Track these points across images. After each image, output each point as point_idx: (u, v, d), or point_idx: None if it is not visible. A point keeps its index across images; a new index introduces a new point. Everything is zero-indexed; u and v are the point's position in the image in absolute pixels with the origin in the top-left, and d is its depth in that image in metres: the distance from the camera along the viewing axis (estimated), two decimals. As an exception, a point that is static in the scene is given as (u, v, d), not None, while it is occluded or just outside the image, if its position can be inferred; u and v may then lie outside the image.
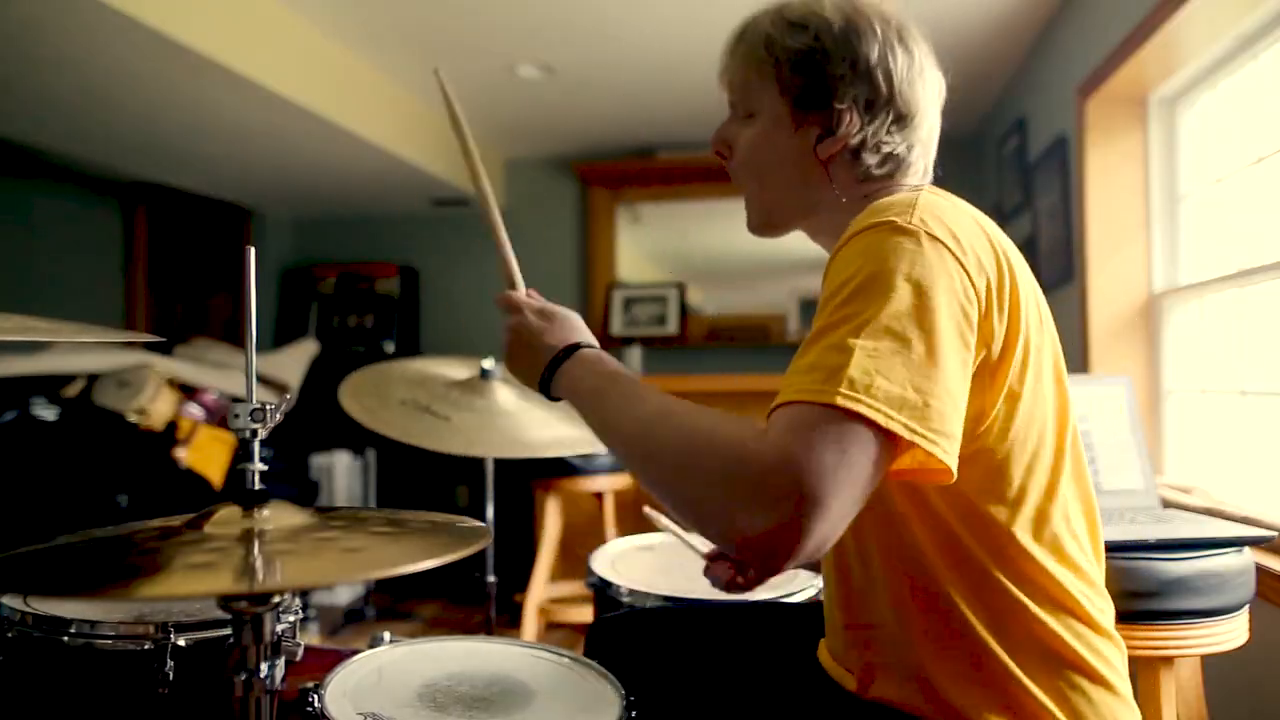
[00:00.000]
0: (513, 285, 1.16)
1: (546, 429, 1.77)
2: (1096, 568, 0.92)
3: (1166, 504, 1.80)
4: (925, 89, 0.98)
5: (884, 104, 0.95)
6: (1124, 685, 0.89)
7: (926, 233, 0.79)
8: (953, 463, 0.74)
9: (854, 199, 0.97)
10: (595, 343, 1.02)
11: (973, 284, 0.79)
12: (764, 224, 1.05)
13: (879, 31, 0.95)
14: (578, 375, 0.97)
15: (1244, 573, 1.41)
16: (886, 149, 0.96)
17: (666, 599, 1.47)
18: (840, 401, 0.71)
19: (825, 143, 0.96)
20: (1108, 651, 0.88)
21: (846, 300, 0.78)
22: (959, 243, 0.80)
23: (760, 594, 1.46)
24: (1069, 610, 0.86)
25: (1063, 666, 0.86)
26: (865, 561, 0.94)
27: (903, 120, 0.96)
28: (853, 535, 0.94)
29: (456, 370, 1.94)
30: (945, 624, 0.87)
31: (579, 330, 1.04)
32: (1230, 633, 1.40)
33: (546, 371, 1.00)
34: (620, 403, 0.89)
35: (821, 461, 0.70)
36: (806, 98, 0.96)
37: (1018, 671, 0.85)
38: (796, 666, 1.06)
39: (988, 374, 0.82)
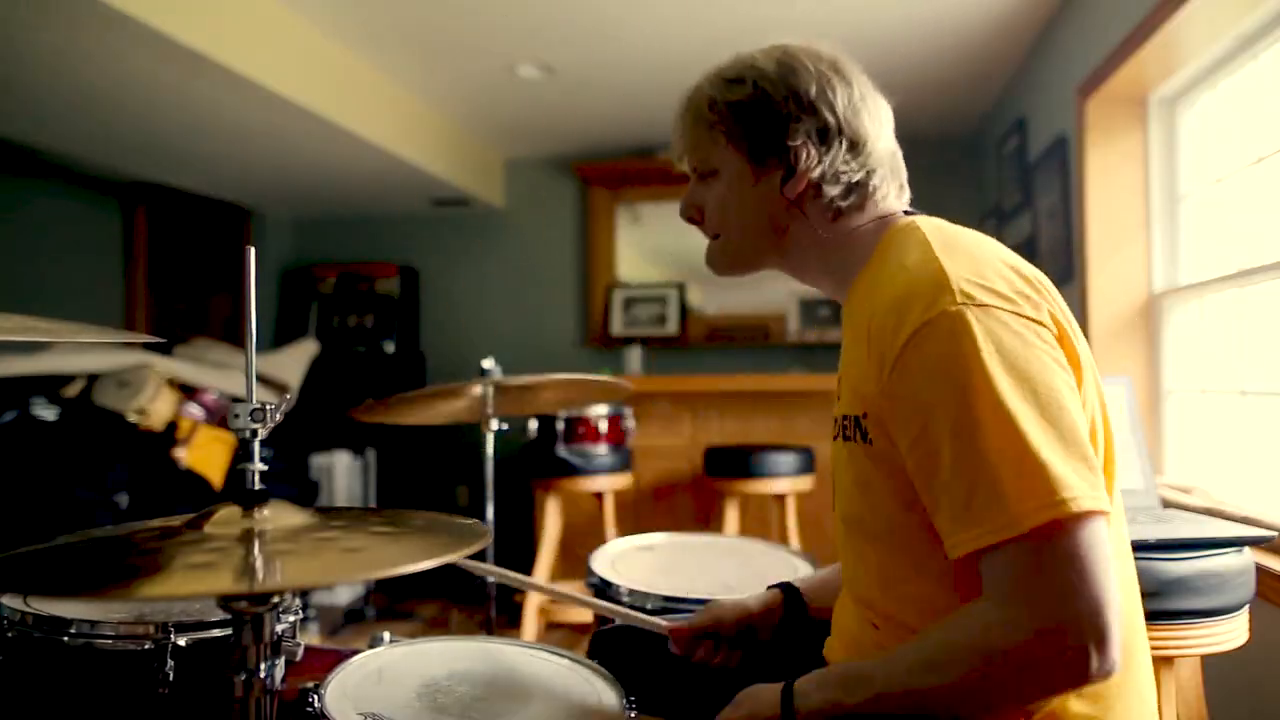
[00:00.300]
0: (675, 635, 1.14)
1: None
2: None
3: (1166, 504, 1.80)
4: (870, 116, 1.00)
5: (835, 134, 0.98)
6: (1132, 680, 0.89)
7: (975, 304, 0.81)
8: (1109, 506, 0.77)
9: (836, 234, 1.00)
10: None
11: (1033, 320, 0.83)
12: (732, 266, 1.08)
13: (812, 68, 0.98)
14: (815, 698, 0.89)
15: (1244, 573, 1.41)
16: (846, 178, 0.98)
17: (667, 599, 1.46)
18: (1031, 523, 0.74)
19: (790, 183, 0.99)
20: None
21: (956, 425, 0.78)
22: (1001, 295, 0.83)
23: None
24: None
25: None
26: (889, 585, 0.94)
27: (856, 148, 0.98)
28: (865, 551, 0.95)
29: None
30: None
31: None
32: (1230, 633, 1.40)
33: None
34: (869, 689, 0.84)
35: (1065, 589, 0.74)
36: (760, 145, 1.00)
37: None
38: (799, 669, 1.06)
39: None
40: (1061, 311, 0.87)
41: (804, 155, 0.98)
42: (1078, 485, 0.75)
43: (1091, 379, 0.88)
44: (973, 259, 0.87)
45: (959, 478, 0.78)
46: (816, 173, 0.98)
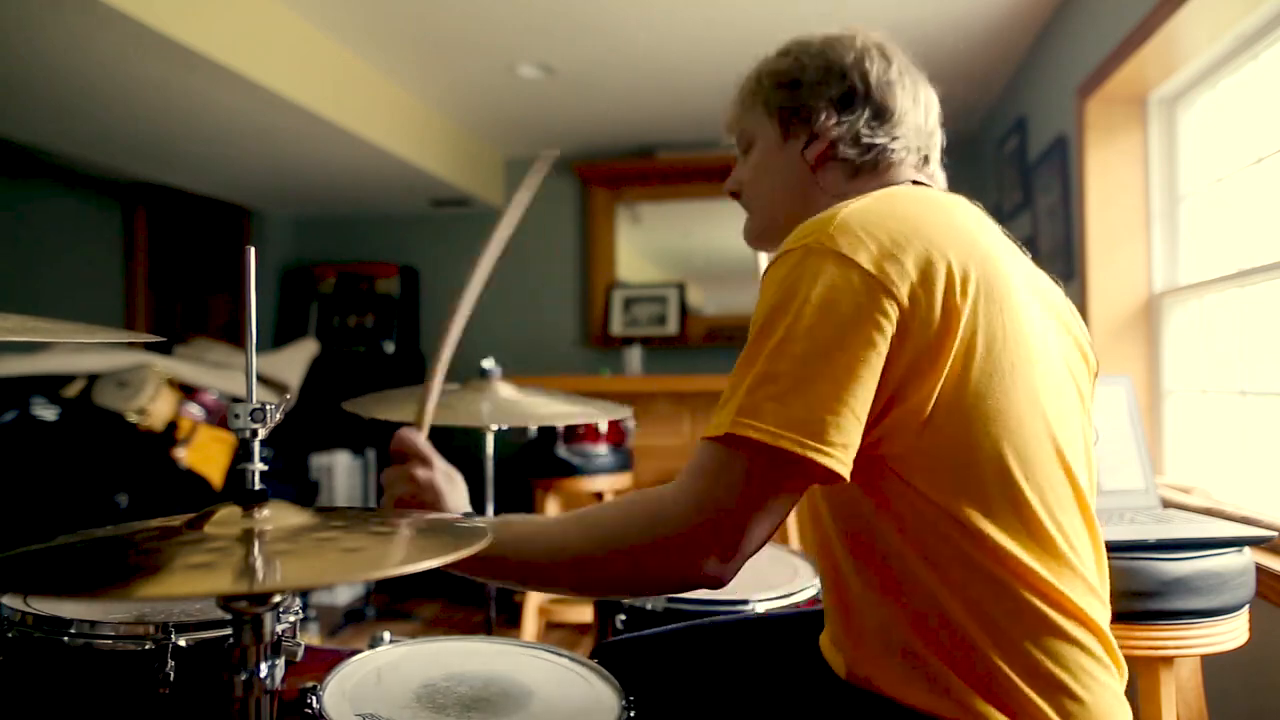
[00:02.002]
0: (420, 422, 1.14)
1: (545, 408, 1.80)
2: (1091, 568, 0.91)
3: (1166, 504, 1.80)
4: (905, 92, 1.03)
5: (860, 100, 1.01)
6: (1108, 672, 0.89)
7: (834, 251, 0.83)
8: (844, 471, 0.81)
9: (847, 195, 0.98)
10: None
11: (886, 290, 0.81)
12: (760, 234, 1.12)
13: (858, 43, 1.03)
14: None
15: (1244, 573, 1.41)
16: (867, 140, 1.01)
17: (668, 599, 1.46)
18: (735, 430, 0.80)
19: (811, 146, 1.03)
20: (1087, 640, 0.88)
21: (757, 335, 0.85)
22: (872, 251, 0.83)
23: (764, 593, 1.46)
24: (1054, 607, 0.86)
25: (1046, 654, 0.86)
26: (844, 556, 0.95)
27: (881, 115, 1.01)
28: (831, 533, 0.96)
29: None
30: (926, 612, 0.87)
31: (465, 494, 1.10)
32: (1230, 633, 1.40)
33: None
34: (524, 545, 0.93)
35: (727, 492, 0.82)
36: (789, 109, 1.04)
37: (1002, 664, 0.85)
38: (800, 671, 1.06)
39: (922, 370, 0.82)
40: (987, 282, 0.84)
41: (823, 117, 1.02)
42: (787, 428, 0.79)
43: (1039, 368, 0.87)
44: (882, 214, 0.86)
45: (731, 378, 0.86)
46: (835, 133, 1.01)
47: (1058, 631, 0.86)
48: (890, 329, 0.81)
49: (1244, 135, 2.14)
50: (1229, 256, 2.22)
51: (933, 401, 0.83)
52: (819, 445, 0.79)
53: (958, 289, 0.83)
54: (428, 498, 1.06)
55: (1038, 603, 0.85)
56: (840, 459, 0.80)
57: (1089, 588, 0.89)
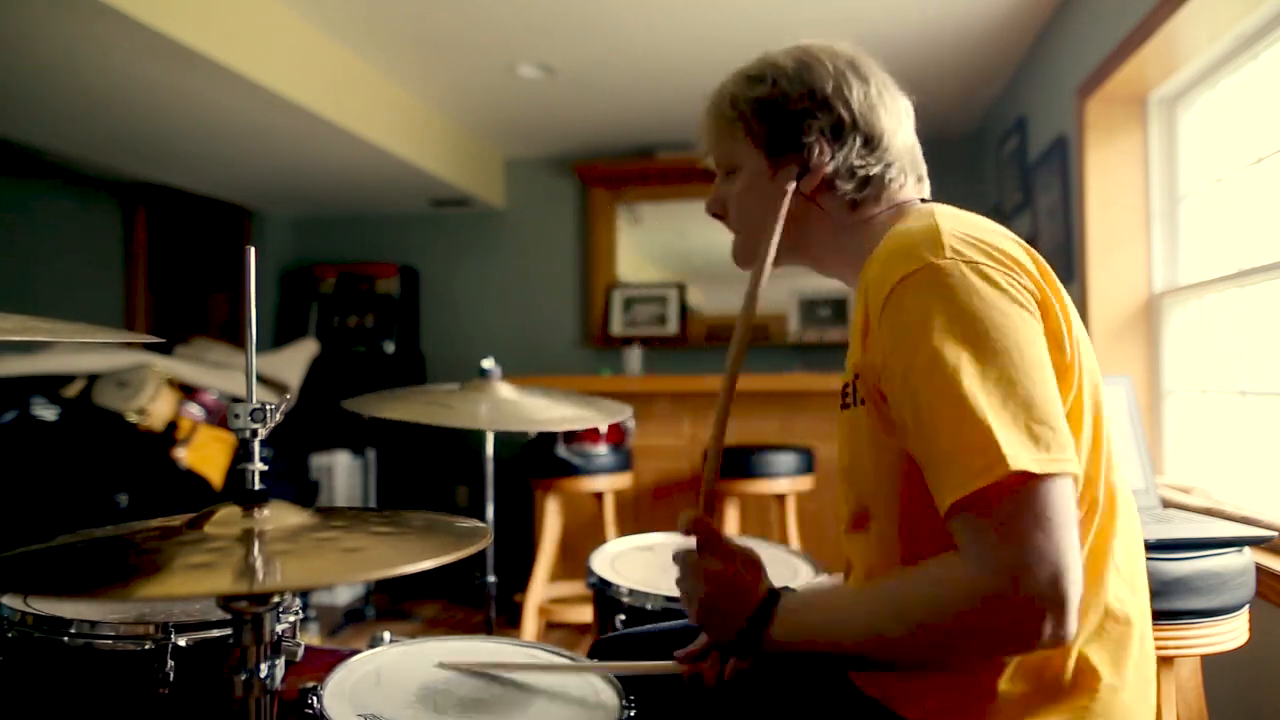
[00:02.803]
0: (710, 506, 1.03)
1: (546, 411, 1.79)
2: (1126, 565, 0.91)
3: (1166, 504, 1.80)
4: (887, 111, 1.02)
5: (850, 129, 0.99)
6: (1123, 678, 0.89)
7: (964, 260, 0.82)
8: (1079, 471, 0.78)
9: (851, 224, 1.02)
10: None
11: (1023, 286, 0.83)
12: (753, 261, 1.09)
13: (830, 66, 1.00)
14: (786, 629, 0.92)
15: (1244, 573, 1.41)
16: (861, 172, 1.00)
17: (667, 599, 1.46)
18: (1002, 474, 0.73)
19: (805, 179, 1.01)
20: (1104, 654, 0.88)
21: (930, 369, 0.79)
22: (993, 255, 0.83)
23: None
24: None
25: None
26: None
27: (871, 143, 1.00)
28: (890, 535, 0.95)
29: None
30: None
31: (762, 571, 0.99)
32: (1230, 633, 1.40)
33: (751, 631, 0.94)
34: (841, 628, 0.88)
35: (1033, 546, 0.73)
36: (776, 141, 1.02)
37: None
38: (798, 668, 1.06)
39: (1062, 366, 0.85)
40: (1056, 292, 0.87)
41: (817, 151, 1.00)
42: (1016, 446, 0.74)
43: (1087, 366, 0.88)
44: (974, 224, 0.88)
45: (922, 439, 0.80)
46: (830, 168, 1.00)
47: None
48: (1040, 319, 0.83)
49: (1244, 135, 2.14)
50: (1229, 256, 2.22)
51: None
52: (1063, 458, 0.76)
53: (1058, 307, 0.86)
54: (727, 591, 0.96)
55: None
56: (1076, 462, 0.78)
57: (1129, 588, 0.90)
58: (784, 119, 1.00)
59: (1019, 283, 0.83)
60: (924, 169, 1.06)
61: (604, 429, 3.30)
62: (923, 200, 1.04)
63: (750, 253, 1.09)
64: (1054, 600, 0.73)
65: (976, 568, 0.75)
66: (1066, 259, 2.85)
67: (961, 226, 0.87)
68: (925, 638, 0.80)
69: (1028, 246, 0.90)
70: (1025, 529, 0.73)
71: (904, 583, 0.84)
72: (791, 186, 1.01)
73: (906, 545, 0.90)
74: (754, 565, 0.98)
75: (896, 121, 1.02)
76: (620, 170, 4.56)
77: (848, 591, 0.92)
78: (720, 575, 0.97)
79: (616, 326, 4.58)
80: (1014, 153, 3.51)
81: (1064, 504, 0.75)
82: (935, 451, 0.79)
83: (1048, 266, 0.90)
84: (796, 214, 1.03)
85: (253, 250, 0.88)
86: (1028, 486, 0.74)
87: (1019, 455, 0.74)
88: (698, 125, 1.12)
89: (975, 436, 0.75)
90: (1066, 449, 0.76)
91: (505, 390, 1.83)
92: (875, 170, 1.00)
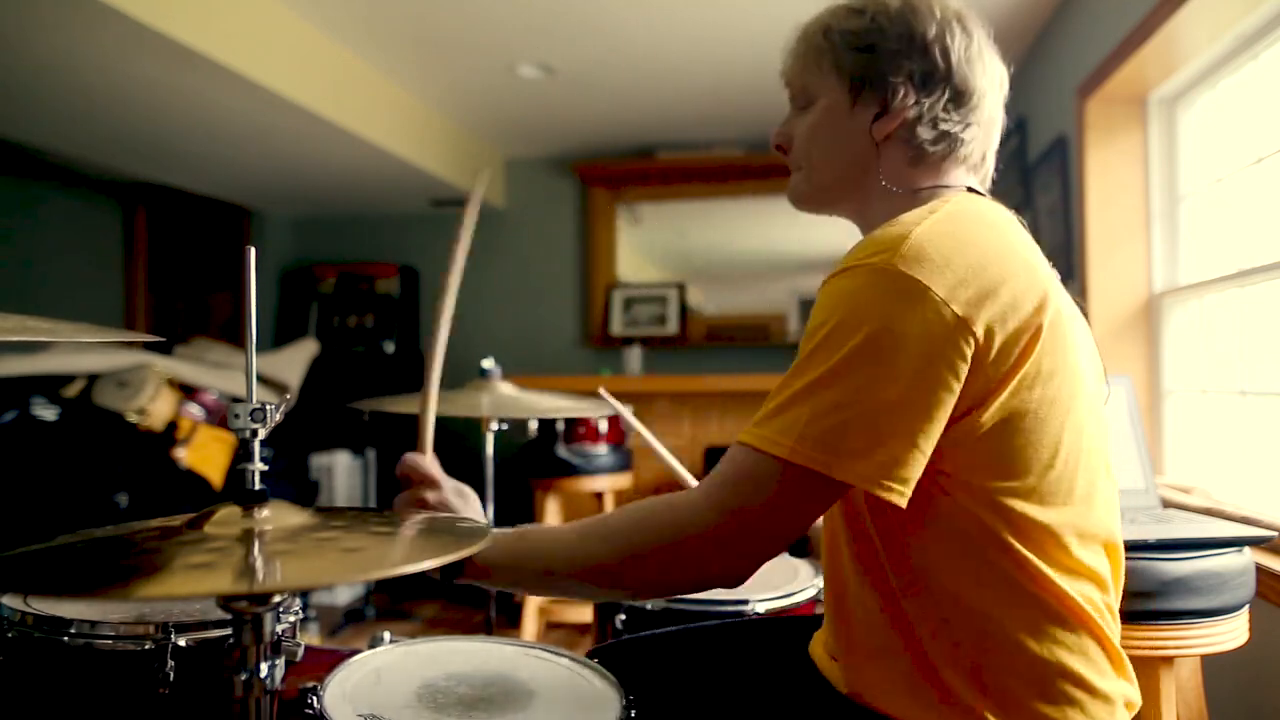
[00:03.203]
0: (422, 445, 1.12)
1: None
2: (1109, 581, 0.92)
3: (1166, 504, 1.80)
4: (985, 72, 0.97)
5: (941, 80, 0.95)
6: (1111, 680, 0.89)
7: (904, 272, 0.80)
8: (901, 501, 0.80)
9: (904, 188, 0.97)
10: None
11: (967, 328, 0.79)
12: (807, 197, 1.05)
13: (937, 12, 0.96)
14: (497, 550, 0.96)
15: (1244, 573, 1.41)
16: (944, 126, 0.95)
17: (668, 599, 1.46)
18: (777, 452, 0.80)
19: (881, 121, 0.96)
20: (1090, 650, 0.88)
21: (817, 347, 0.82)
22: (950, 283, 0.80)
23: (764, 592, 1.46)
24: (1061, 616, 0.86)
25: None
26: (852, 568, 0.95)
27: (960, 99, 0.96)
28: (842, 543, 0.96)
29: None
30: (938, 625, 0.87)
31: (479, 508, 1.08)
32: (1230, 633, 1.40)
33: None
34: (545, 557, 0.94)
35: (752, 508, 0.83)
36: (863, 76, 0.96)
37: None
38: (797, 675, 1.06)
39: (985, 399, 0.82)
40: (1039, 315, 0.83)
41: (901, 93, 0.95)
42: (792, 436, 0.80)
43: (1069, 393, 0.86)
44: (959, 241, 0.83)
45: (782, 388, 0.84)
46: (912, 113, 0.95)
47: (1071, 644, 0.86)
48: (965, 368, 0.80)
49: (1244, 135, 2.14)
50: (1229, 256, 2.22)
51: (990, 423, 0.83)
52: (889, 483, 0.79)
53: (1029, 329, 0.82)
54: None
55: (1058, 610, 0.86)
56: (904, 493, 0.80)
57: (1105, 599, 0.91)
58: (876, 54, 0.95)
59: (947, 304, 0.79)
60: (993, 147, 1.01)
61: (604, 428, 3.30)
62: (969, 189, 0.99)
63: (808, 190, 1.04)
64: (751, 551, 0.85)
65: (702, 496, 0.85)
66: (1066, 259, 2.85)
67: (936, 240, 0.82)
68: (626, 551, 0.89)
69: (1034, 262, 0.87)
70: (765, 494, 0.82)
71: (618, 511, 0.92)
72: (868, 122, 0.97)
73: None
74: (463, 494, 1.07)
75: (990, 84, 0.98)
76: (620, 170, 4.56)
77: (562, 525, 0.97)
78: (425, 503, 1.05)
79: (616, 326, 4.58)
80: (1014, 153, 3.51)
81: (804, 499, 0.83)
82: (771, 399, 0.85)
83: (1050, 290, 0.85)
84: (862, 157, 0.98)
85: (253, 250, 0.88)
86: (789, 472, 0.80)
87: (778, 441, 0.81)
88: (783, 54, 1.05)
89: (775, 404, 0.83)
90: (891, 476, 0.79)
91: (506, 388, 1.84)
92: (955, 128, 0.95)
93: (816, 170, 1.02)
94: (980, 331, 0.80)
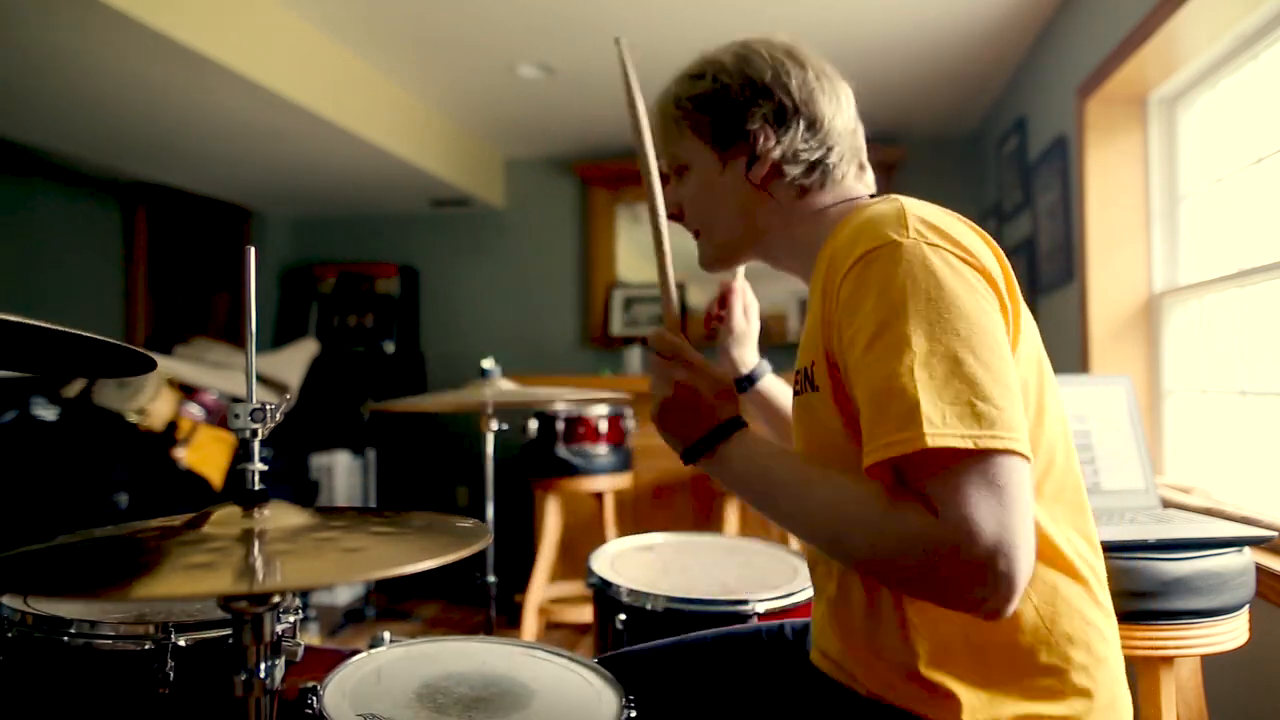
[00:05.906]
0: (675, 323, 1.04)
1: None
2: (1099, 566, 0.93)
3: (1166, 504, 1.80)
4: (826, 95, 1.03)
5: (792, 114, 1.01)
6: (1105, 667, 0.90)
7: (927, 242, 0.83)
8: (1029, 453, 0.77)
9: (802, 214, 1.03)
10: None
11: (977, 272, 0.84)
12: (717, 260, 1.12)
13: (767, 55, 1.03)
14: (737, 457, 0.94)
15: (1244, 573, 1.41)
16: (805, 156, 1.01)
17: (668, 599, 1.46)
18: (916, 448, 0.74)
19: (754, 167, 1.02)
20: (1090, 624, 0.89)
21: (875, 337, 0.80)
22: (951, 240, 0.84)
23: (764, 594, 1.46)
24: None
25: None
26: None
27: (813, 126, 1.01)
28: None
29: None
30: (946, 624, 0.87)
31: (735, 399, 0.98)
32: (1230, 633, 1.40)
33: (705, 441, 0.95)
34: (790, 497, 0.88)
35: (982, 514, 0.73)
36: (722, 133, 1.03)
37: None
38: (796, 677, 1.06)
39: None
40: (1011, 290, 0.88)
41: (763, 138, 1.01)
42: (945, 423, 0.75)
43: (1029, 339, 0.90)
44: (935, 214, 0.89)
45: (862, 405, 0.81)
46: (777, 153, 1.01)
47: (1074, 629, 0.87)
48: (996, 305, 0.84)
49: (1244, 135, 2.14)
50: (1229, 256, 2.22)
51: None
52: (1005, 435, 0.76)
53: (1006, 288, 0.87)
54: (690, 404, 0.97)
55: (1075, 602, 0.88)
56: (1024, 442, 0.77)
57: (1099, 583, 0.92)
58: (728, 110, 1.02)
59: (974, 266, 0.84)
60: (864, 155, 1.07)
61: (604, 428, 3.30)
62: (871, 196, 1.05)
63: (713, 251, 1.11)
64: (994, 571, 0.72)
65: (931, 521, 0.75)
66: (1066, 259, 2.85)
67: (924, 213, 0.88)
68: (852, 553, 0.82)
69: (987, 237, 0.91)
70: (968, 498, 0.73)
71: (860, 503, 0.81)
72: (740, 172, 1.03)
73: None
74: (725, 388, 0.97)
75: (836, 105, 1.03)
76: (620, 170, 4.55)
77: (812, 469, 0.89)
78: (685, 386, 0.97)
79: (616, 326, 4.58)
80: (1014, 153, 3.51)
81: (1010, 479, 0.75)
82: (867, 418, 0.81)
83: (1006, 262, 0.90)
84: (749, 205, 1.05)
85: (253, 250, 0.88)
86: (965, 462, 0.74)
87: (942, 432, 0.74)
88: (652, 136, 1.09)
89: (900, 409, 0.76)
90: (1014, 429, 0.76)
91: (506, 388, 1.85)
92: (818, 154, 1.01)
93: (716, 232, 1.09)
94: (995, 273, 0.85)
